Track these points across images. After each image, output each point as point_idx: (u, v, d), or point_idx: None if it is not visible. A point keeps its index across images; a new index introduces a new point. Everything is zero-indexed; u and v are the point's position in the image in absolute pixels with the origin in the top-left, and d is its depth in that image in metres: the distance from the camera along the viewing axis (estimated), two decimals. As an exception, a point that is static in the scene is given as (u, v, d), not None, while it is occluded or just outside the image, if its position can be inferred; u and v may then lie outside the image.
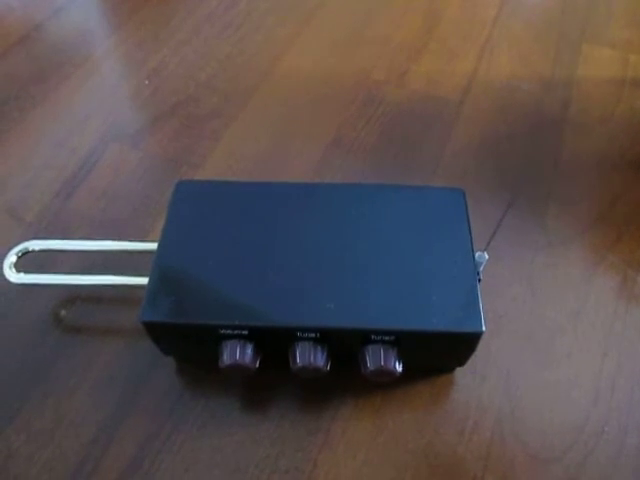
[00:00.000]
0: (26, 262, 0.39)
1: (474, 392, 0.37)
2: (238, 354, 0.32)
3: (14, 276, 0.38)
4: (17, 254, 0.39)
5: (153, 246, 0.36)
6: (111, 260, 0.41)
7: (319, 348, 0.32)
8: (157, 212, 0.45)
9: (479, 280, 0.34)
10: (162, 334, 0.34)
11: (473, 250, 0.35)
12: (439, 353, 0.35)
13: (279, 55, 0.59)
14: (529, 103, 0.55)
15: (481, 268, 0.34)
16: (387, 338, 0.32)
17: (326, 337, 0.32)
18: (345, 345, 0.33)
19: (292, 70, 0.58)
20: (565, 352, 0.38)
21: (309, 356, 0.32)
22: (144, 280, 0.34)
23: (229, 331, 0.32)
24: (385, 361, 0.32)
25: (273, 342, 0.33)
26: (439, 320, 0.32)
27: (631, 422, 0.35)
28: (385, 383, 0.35)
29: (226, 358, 0.32)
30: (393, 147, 0.51)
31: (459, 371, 0.37)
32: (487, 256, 0.34)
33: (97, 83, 0.56)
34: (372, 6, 0.65)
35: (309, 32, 0.62)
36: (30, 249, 0.39)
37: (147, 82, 0.56)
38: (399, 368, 0.33)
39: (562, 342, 0.39)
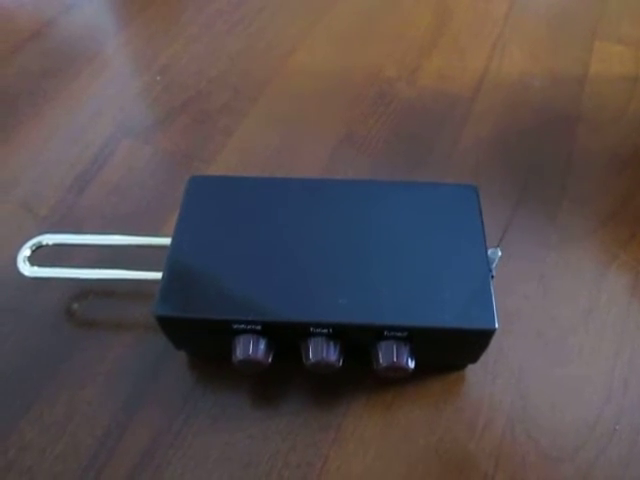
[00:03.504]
0: (40, 256, 0.39)
1: (486, 389, 0.37)
2: (251, 349, 0.32)
3: (28, 270, 0.38)
4: (31, 248, 0.39)
5: (165, 241, 0.36)
6: (123, 255, 0.41)
7: (332, 344, 0.32)
8: (169, 207, 0.45)
9: (492, 277, 0.34)
10: (175, 328, 0.34)
11: (486, 246, 0.35)
12: (451, 350, 0.35)
13: (290, 51, 0.59)
14: (541, 100, 0.54)
15: (494, 264, 0.34)
16: (400, 334, 0.32)
17: (339, 333, 0.32)
18: (358, 341, 0.33)
19: (303, 66, 0.58)
20: (577, 350, 0.38)
21: (322, 351, 0.32)
22: (156, 275, 0.35)
23: (242, 326, 0.32)
24: (398, 357, 0.32)
25: (286, 337, 0.33)
26: (452, 317, 0.32)
27: (643, 421, 0.35)
28: (397, 379, 0.35)
29: (239, 353, 0.32)
30: (404, 144, 0.51)
31: (471, 368, 0.37)
32: (500, 252, 0.34)
33: (109, 79, 0.57)
34: (383, 2, 0.65)
35: (320, 28, 0.62)
36: (44, 243, 0.39)
37: (159, 78, 0.56)
38: (411, 364, 0.33)
39: (574, 340, 0.39)
